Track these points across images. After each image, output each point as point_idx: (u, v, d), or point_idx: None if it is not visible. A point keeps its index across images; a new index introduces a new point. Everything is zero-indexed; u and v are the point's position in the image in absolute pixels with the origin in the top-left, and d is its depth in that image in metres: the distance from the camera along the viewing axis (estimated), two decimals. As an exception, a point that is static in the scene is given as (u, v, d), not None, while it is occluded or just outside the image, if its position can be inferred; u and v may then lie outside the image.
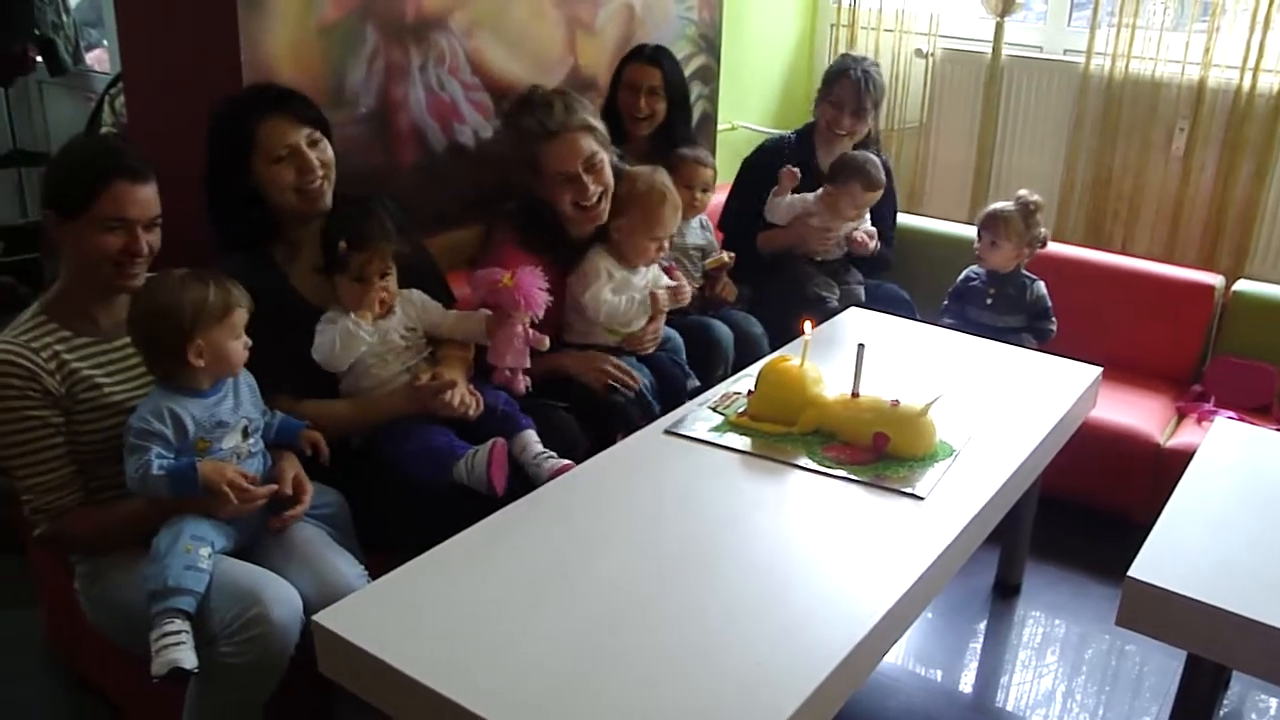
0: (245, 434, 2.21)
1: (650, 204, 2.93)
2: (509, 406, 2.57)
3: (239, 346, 2.17)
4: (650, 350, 3.03)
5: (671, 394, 2.94)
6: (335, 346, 2.43)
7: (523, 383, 2.65)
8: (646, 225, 2.93)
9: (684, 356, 3.10)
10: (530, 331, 2.61)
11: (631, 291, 2.96)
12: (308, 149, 2.47)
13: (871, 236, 3.68)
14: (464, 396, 2.48)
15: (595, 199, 2.89)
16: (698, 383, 3.00)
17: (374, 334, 2.47)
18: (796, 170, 3.65)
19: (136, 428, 2.08)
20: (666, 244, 3.03)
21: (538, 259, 2.79)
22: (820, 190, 3.64)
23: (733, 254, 3.47)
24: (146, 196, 2.21)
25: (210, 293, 2.11)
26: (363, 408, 2.50)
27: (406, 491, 2.41)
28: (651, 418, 2.75)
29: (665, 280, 3.09)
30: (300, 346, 2.46)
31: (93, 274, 2.20)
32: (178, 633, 1.94)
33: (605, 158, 2.92)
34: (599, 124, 2.95)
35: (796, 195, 3.66)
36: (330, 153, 2.53)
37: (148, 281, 2.18)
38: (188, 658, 1.92)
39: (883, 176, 3.61)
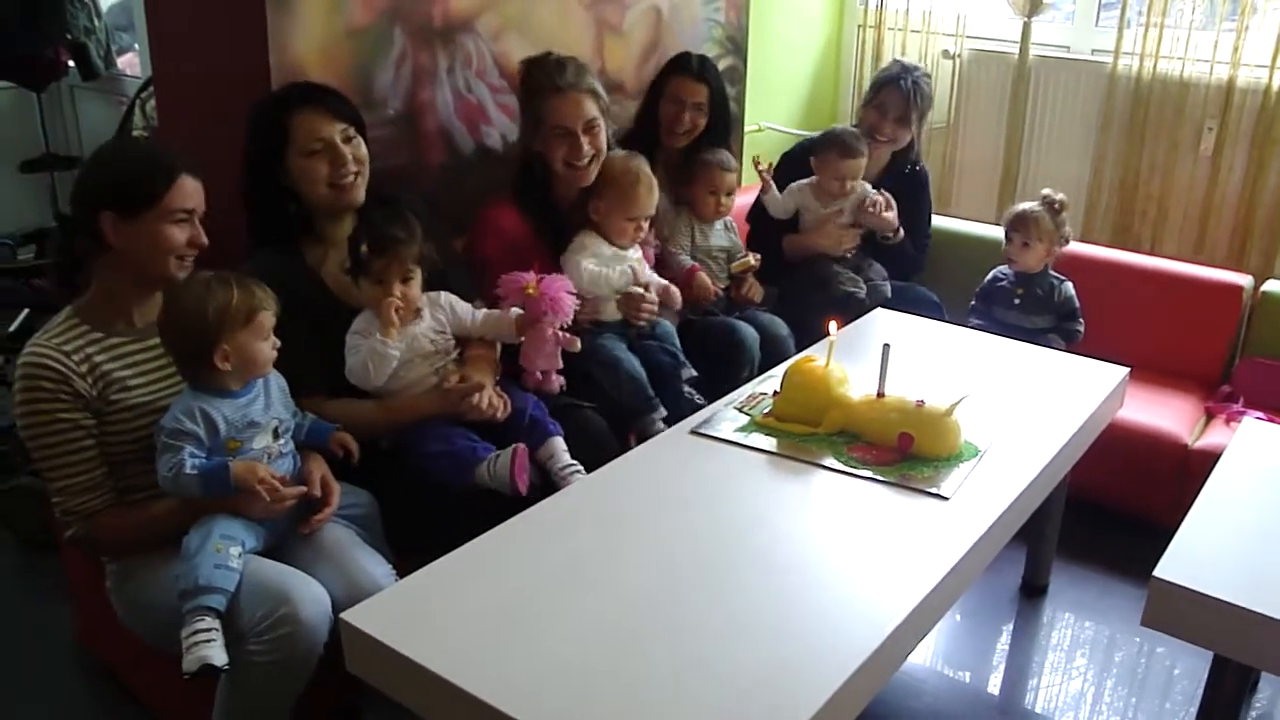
0: (276, 434, 2.23)
1: (625, 185, 2.99)
2: (538, 411, 2.59)
3: (266, 348, 2.19)
4: (644, 322, 3.04)
5: (666, 381, 2.96)
6: (370, 371, 2.45)
7: (556, 382, 2.69)
8: (623, 206, 3.00)
9: (676, 344, 3.09)
10: (561, 334, 2.63)
11: (617, 263, 3.01)
12: (342, 144, 2.50)
13: (890, 206, 3.67)
14: (492, 399, 2.50)
15: (586, 160, 2.96)
16: (693, 371, 3.00)
17: (401, 344, 2.48)
18: (768, 166, 3.70)
19: (169, 427, 2.10)
20: (645, 224, 3.07)
21: (524, 216, 2.94)
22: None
23: (758, 255, 3.48)
24: (201, 191, 2.27)
25: (234, 297, 2.13)
26: (391, 409, 2.52)
27: (429, 493, 2.42)
28: (649, 403, 2.83)
29: (647, 269, 3.14)
30: (331, 344, 2.48)
31: (150, 270, 2.24)
32: (208, 630, 1.96)
33: (604, 125, 3.00)
34: (604, 94, 3.03)
35: (793, 184, 3.68)
36: (364, 150, 2.56)
37: (175, 287, 2.20)
38: (218, 655, 1.94)
39: (860, 143, 3.62)
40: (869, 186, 3.71)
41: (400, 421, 2.51)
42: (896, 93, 3.73)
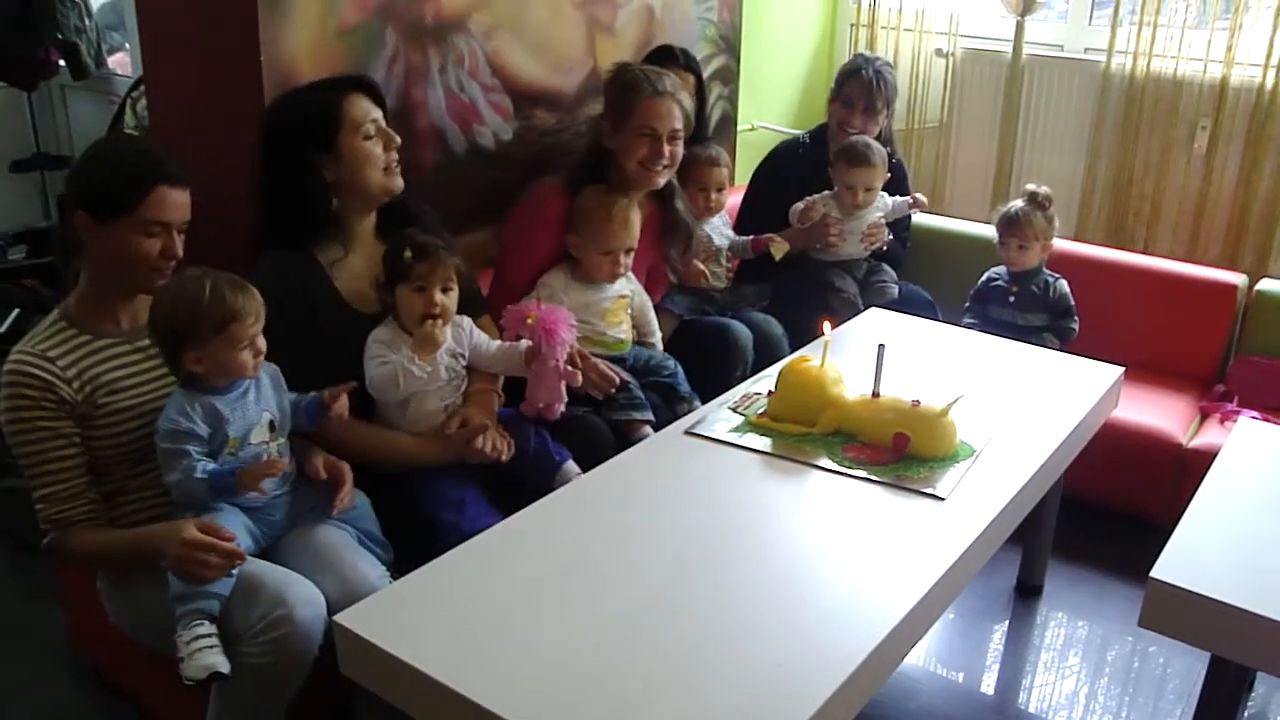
0: (272, 427, 2.21)
1: (598, 220, 2.89)
2: (541, 443, 2.56)
3: (243, 357, 2.12)
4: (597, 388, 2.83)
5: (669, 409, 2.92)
6: (400, 385, 2.41)
7: (558, 411, 2.62)
8: (597, 241, 2.90)
9: (669, 373, 3.04)
10: (565, 367, 2.58)
11: (594, 300, 2.94)
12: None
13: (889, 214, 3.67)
14: (495, 441, 2.47)
15: (662, 166, 2.97)
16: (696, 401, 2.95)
17: (427, 369, 2.44)
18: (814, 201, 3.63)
19: (165, 430, 2.07)
20: (625, 257, 2.95)
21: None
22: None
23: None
24: (185, 201, 2.23)
25: (205, 304, 2.06)
26: (392, 447, 2.47)
27: (428, 529, 2.36)
28: (634, 402, 2.82)
29: (640, 294, 3.09)
30: (339, 350, 2.44)
31: (125, 276, 2.21)
32: (208, 635, 1.94)
33: (683, 140, 3.01)
34: (691, 117, 3.06)
35: (817, 196, 3.63)
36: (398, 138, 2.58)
37: (164, 285, 2.17)
38: (222, 662, 1.92)
39: (870, 152, 3.55)
40: (886, 198, 3.68)
41: (401, 462, 2.47)
42: (859, 84, 3.70)
